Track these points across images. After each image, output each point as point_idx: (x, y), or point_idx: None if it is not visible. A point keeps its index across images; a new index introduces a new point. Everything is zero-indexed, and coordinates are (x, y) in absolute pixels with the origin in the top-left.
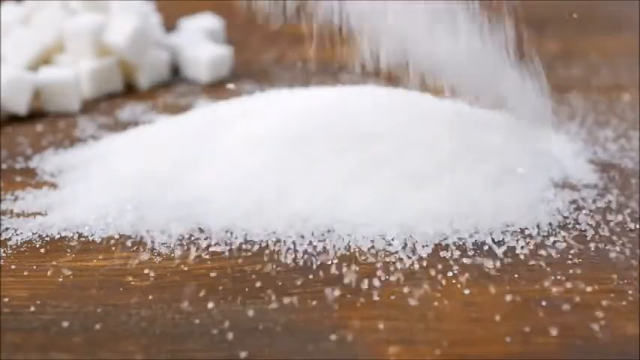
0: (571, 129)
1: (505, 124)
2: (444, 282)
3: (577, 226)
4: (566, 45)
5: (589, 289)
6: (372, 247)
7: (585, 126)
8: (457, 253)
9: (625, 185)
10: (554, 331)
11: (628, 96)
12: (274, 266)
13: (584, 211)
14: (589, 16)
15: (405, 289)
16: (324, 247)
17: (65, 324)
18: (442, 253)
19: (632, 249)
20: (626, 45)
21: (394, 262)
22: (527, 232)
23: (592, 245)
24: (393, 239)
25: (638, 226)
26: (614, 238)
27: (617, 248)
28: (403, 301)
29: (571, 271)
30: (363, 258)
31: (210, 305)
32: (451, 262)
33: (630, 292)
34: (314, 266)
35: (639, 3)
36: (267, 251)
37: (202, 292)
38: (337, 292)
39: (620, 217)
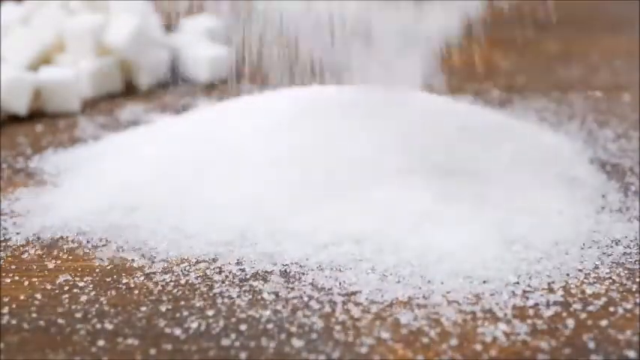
0: (571, 129)
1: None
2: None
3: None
4: (566, 45)
5: (590, 290)
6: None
7: (585, 126)
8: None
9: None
10: (556, 333)
11: (628, 96)
12: (275, 267)
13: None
14: (589, 16)
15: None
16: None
17: (65, 324)
18: None
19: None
20: (626, 45)
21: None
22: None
23: (593, 244)
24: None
25: (638, 226)
26: (616, 238)
27: (620, 247)
28: (406, 304)
29: (573, 271)
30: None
31: (211, 306)
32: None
33: (630, 292)
34: (314, 269)
35: (639, 3)
36: (268, 251)
37: (202, 292)
38: (339, 296)
39: (620, 217)
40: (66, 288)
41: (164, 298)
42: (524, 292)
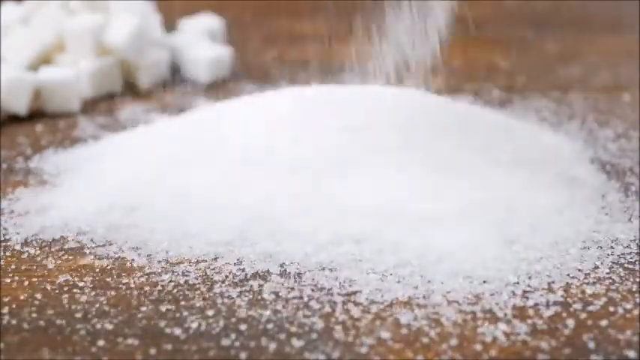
0: (571, 129)
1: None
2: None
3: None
4: (566, 45)
5: (590, 290)
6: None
7: (585, 126)
8: None
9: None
10: (556, 334)
11: (628, 96)
12: (275, 267)
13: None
14: (589, 16)
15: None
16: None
17: (65, 324)
18: None
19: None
20: (626, 45)
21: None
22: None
23: (593, 244)
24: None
25: (638, 226)
26: (616, 238)
27: (620, 247)
28: (406, 304)
29: (573, 271)
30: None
31: (211, 306)
32: None
33: (630, 292)
34: (314, 269)
35: (639, 3)
36: (268, 251)
37: (202, 292)
38: (339, 296)
39: (620, 217)
40: (66, 288)
41: (164, 298)
42: (524, 292)
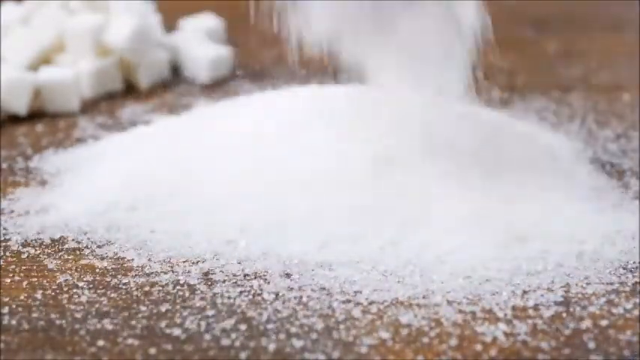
0: (571, 129)
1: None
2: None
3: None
4: (566, 45)
5: (590, 290)
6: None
7: (585, 126)
8: None
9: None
10: (556, 334)
11: (628, 96)
12: (275, 266)
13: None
14: (589, 16)
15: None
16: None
17: (65, 324)
18: None
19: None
20: (626, 45)
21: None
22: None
23: (592, 244)
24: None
25: (637, 225)
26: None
27: (620, 247)
28: (406, 304)
29: (573, 271)
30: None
31: (211, 306)
32: None
33: (630, 292)
34: (314, 269)
35: (639, 3)
36: (268, 250)
37: (202, 292)
38: (339, 296)
39: (620, 216)
40: (66, 288)
41: (164, 298)
42: (524, 292)
